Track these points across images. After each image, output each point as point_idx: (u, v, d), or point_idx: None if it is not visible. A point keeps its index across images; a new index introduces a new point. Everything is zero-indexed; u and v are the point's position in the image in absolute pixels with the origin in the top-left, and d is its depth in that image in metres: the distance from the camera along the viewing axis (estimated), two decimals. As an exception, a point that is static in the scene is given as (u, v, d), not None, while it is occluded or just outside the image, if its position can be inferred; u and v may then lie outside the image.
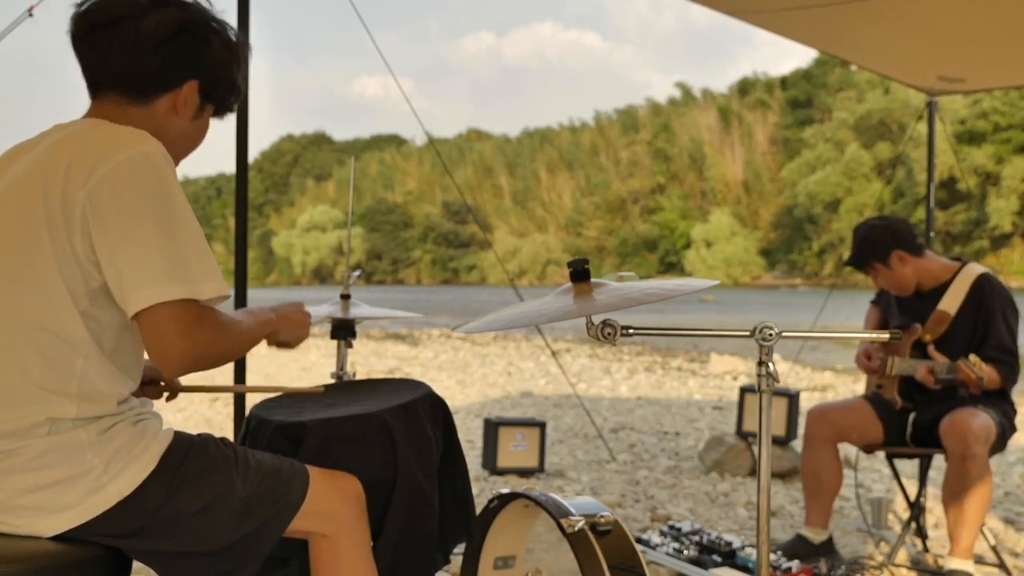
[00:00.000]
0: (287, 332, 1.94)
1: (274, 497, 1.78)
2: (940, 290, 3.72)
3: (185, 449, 1.73)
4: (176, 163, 1.89)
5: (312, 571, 1.89)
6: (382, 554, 1.97)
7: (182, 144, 1.87)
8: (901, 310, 3.84)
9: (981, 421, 3.42)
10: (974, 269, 3.72)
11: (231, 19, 1.95)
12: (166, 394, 2.14)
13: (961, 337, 3.64)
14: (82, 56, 1.81)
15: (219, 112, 1.95)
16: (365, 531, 1.90)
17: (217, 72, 1.85)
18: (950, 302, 3.67)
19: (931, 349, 3.60)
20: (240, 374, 4.07)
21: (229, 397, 4.25)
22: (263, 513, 1.76)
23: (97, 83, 1.82)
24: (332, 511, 1.86)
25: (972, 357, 3.38)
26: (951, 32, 4.49)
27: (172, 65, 1.79)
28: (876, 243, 3.70)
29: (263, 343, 1.92)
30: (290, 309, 1.96)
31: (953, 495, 3.41)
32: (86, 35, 1.79)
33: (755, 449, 5.46)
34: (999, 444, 3.54)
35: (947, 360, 3.51)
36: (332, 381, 2.84)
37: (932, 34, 4.57)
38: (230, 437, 4.62)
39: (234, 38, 1.89)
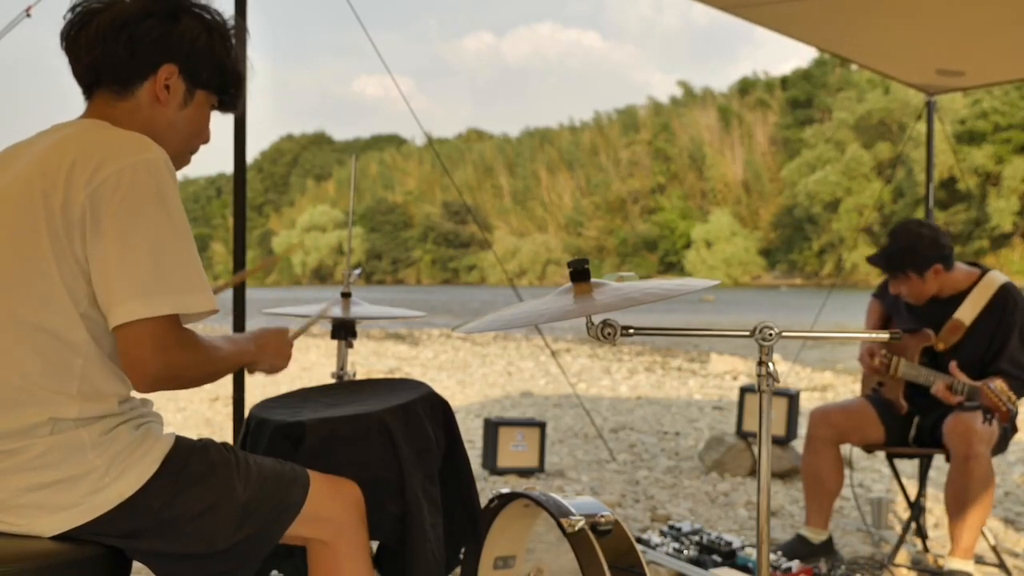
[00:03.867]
0: (266, 362, 1.94)
1: (274, 501, 1.78)
2: (957, 298, 3.63)
3: (187, 453, 1.73)
4: (181, 161, 1.88)
5: None
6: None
7: (173, 136, 1.82)
8: (911, 312, 3.77)
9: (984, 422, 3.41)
10: (996, 279, 3.62)
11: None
12: None
13: (974, 348, 3.57)
14: (69, 61, 1.81)
15: (223, 102, 1.91)
16: (364, 537, 1.90)
17: (193, 52, 1.80)
18: (967, 311, 3.59)
19: (953, 367, 3.47)
20: (240, 373, 4.07)
21: (229, 397, 4.26)
22: (263, 517, 1.76)
23: (85, 85, 1.82)
24: (331, 516, 1.86)
25: (998, 384, 3.26)
26: (950, 24, 4.48)
27: (141, 50, 1.76)
28: (922, 254, 3.56)
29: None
30: (271, 338, 1.95)
31: (955, 496, 3.40)
32: (68, 40, 1.80)
33: (755, 449, 5.46)
34: (1000, 445, 3.53)
35: (968, 381, 3.40)
36: (332, 381, 2.84)
37: (931, 26, 4.56)
38: (229, 437, 4.63)
39: (214, 17, 1.85)
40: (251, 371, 1.96)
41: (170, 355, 1.60)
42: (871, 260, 3.73)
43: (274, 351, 1.95)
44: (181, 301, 1.60)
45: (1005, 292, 3.58)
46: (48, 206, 1.60)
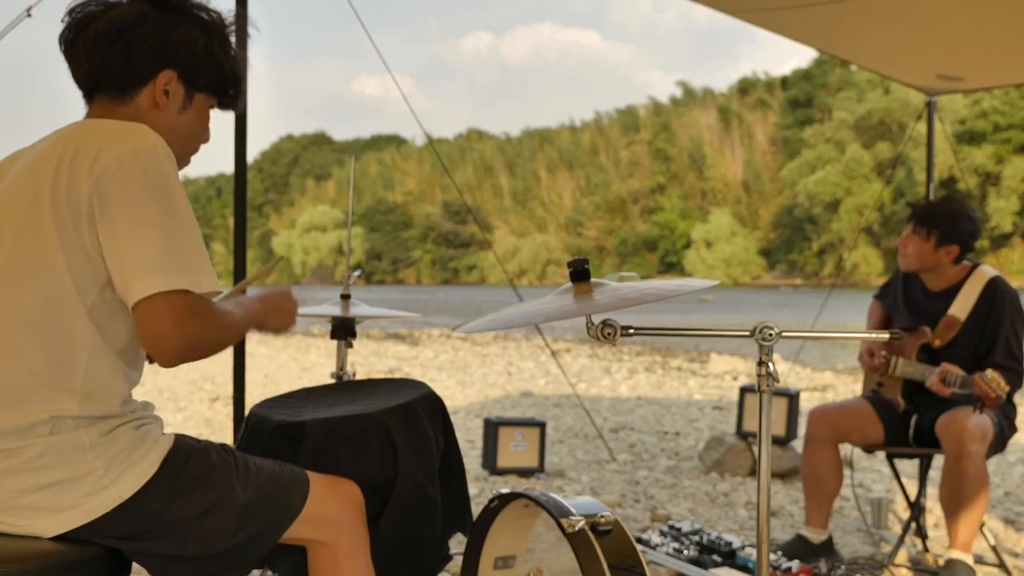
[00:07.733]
0: (275, 321, 1.94)
1: (274, 503, 1.78)
2: (951, 292, 3.68)
3: (186, 454, 1.73)
4: (181, 163, 1.88)
5: None
6: (377, 552, 1.96)
7: (174, 140, 1.80)
8: (909, 310, 3.80)
9: (977, 420, 3.41)
10: (985, 273, 3.67)
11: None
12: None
13: (968, 342, 3.60)
14: (69, 66, 1.81)
15: (222, 103, 1.92)
16: (364, 537, 1.90)
17: (191, 57, 1.81)
18: (961, 307, 3.63)
19: (945, 365, 3.48)
20: (240, 373, 4.07)
21: (229, 397, 4.27)
22: (262, 519, 1.76)
23: (85, 90, 1.82)
24: (331, 517, 1.85)
25: (990, 373, 3.30)
26: (950, 30, 4.50)
27: (138, 57, 1.77)
28: (957, 229, 3.63)
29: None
30: (278, 298, 1.96)
31: (950, 494, 3.40)
32: (67, 44, 1.80)
33: (755, 449, 5.46)
34: (998, 444, 3.53)
35: (961, 373, 3.43)
36: (332, 381, 2.84)
37: (931, 32, 4.58)
38: (229, 437, 4.63)
39: (212, 18, 1.84)
40: (261, 331, 1.95)
41: (188, 327, 1.59)
42: (913, 204, 3.81)
43: (282, 311, 1.95)
44: (193, 279, 1.60)
45: (994, 285, 3.63)
46: (55, 198, 1.61)
